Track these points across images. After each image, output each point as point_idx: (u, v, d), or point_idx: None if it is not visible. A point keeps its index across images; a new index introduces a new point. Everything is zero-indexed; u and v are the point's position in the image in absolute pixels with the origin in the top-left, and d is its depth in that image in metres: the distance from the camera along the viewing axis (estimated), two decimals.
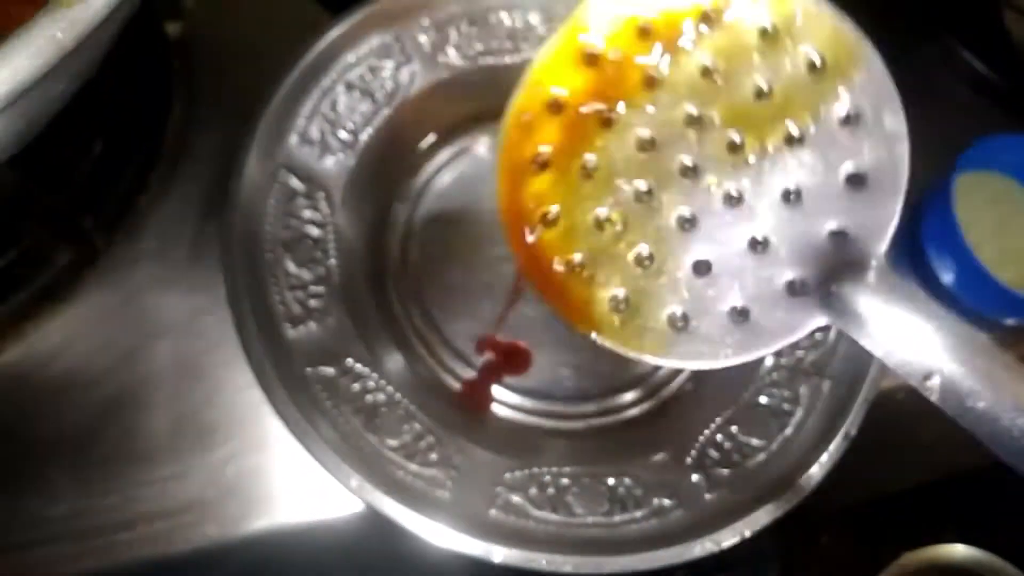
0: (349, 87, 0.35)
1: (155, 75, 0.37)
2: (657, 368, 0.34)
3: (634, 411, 0.33)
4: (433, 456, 0.30)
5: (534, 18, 0.37)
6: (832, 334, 0.33)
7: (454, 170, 0.37)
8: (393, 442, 0.30)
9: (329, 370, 0.30)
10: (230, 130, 0.35)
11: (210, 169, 0.35)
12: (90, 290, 0.33)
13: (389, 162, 0.35)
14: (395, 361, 0.32)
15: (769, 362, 0.33)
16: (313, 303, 0.32)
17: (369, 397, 0.31)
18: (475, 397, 0.33)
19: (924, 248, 0.38)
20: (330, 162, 0.34)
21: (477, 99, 0.37)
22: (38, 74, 0.19)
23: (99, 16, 0.19)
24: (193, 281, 0.34)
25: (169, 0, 0.39)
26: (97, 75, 0.25)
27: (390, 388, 0.31)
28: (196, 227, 0.34)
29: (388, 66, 0.35)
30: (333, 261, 0.33)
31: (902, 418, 0.36)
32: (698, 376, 0.34)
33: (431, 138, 0.37)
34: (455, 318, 0.34)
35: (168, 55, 0.37)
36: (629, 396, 0.34)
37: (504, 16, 0.37)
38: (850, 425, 0.30)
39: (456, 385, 0.33)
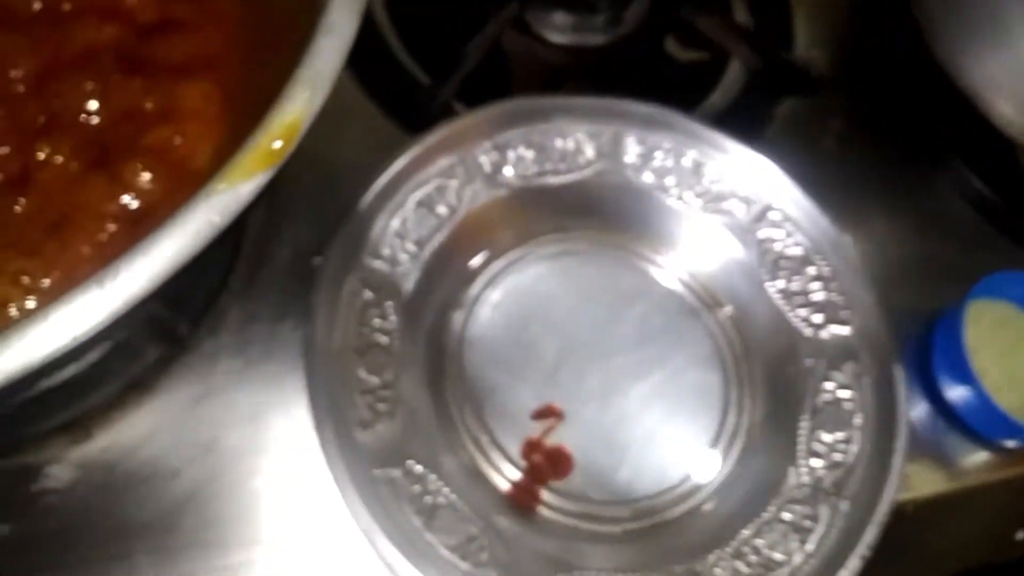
0: (418, 204, 0.38)
1: None
2: (687, 476, 0.37)
3: (666, 516, 0.36)
4: (484, 556, 0.33)
5: (584, 142, 0.41)
6: (851, 456, 0.36)
7: (506, 282, 0.39)
8: (450, 542, 0.33)
9: (394, 472, 0.33)
10: (302, 238, 0.39)
11: (284, 273, 0.38)
12: (175, 382, 0.36)
13: (448, 273, 0.39)
14: (450, 463, 0.35)
15: (792, 480, 0.36)
16: (380, 407, 0.35)
17: (428, 499, 0.33)
18: (523, 498, 0.35)
19: (934, 368, 0.41)
20: (398, 273, 0.37)
21: (529, 216, 0.40)
22: (200, 250, 0.22)
23: (247, 199, 0.23)
24: (265, 376, 0.36)
25: None
26: None
27: (446, 489, 0.34)
28: (270, 327, 0.37)
29: (453, 185, 0.39)
30: (398, 367, 0.36)
31: (913, 526, 0.39)
32: (725, 488, 0.36)
33: (486, 251, 0.40)
34: (505, 421, 0.37)
35: None
36: (662, 502, 0.36)
37: (558, 141, 0.40)
38: (865, 546, 0.33)
39: (505, 484, 0.36)
